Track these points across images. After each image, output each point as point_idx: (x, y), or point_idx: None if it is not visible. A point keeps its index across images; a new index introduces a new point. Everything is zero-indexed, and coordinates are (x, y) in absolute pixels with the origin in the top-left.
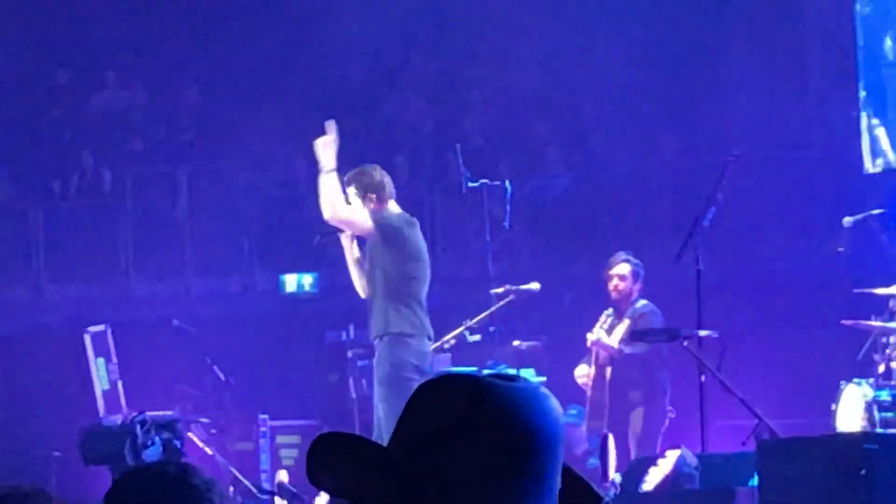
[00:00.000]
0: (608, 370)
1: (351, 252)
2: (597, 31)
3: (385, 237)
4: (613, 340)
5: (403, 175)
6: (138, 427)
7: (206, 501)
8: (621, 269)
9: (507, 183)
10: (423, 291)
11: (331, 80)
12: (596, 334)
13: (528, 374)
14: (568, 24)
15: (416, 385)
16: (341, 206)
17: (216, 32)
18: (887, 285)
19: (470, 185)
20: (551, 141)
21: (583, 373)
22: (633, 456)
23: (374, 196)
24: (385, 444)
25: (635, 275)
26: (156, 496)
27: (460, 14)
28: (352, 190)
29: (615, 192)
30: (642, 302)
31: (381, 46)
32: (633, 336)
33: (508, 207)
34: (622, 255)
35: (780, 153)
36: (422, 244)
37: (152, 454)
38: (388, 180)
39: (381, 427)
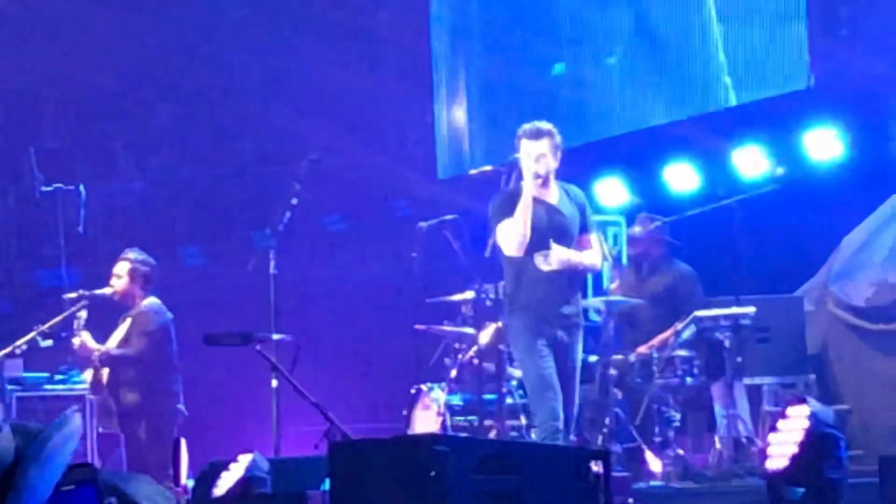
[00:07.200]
0: (105, 372)
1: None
2: (177, 40)
3: None
4: (111, 341)
5: None
6: None
7: None
8: (117, 267)
9: (81, 188)
10: None
11: None
12: (80, 338)
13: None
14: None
15: None
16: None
17: None
18: (460, 291)
19: (44, 189)
20: (125, 146)
21: (87, 377)
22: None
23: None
24: None
25: (133, 273)
26: None
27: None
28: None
29: (189, 197)
30: (149, 300)
31: None
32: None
33: (83, 212)
34: (129, 252)
35: (358, 157)
36: None
37: None
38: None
39: None
